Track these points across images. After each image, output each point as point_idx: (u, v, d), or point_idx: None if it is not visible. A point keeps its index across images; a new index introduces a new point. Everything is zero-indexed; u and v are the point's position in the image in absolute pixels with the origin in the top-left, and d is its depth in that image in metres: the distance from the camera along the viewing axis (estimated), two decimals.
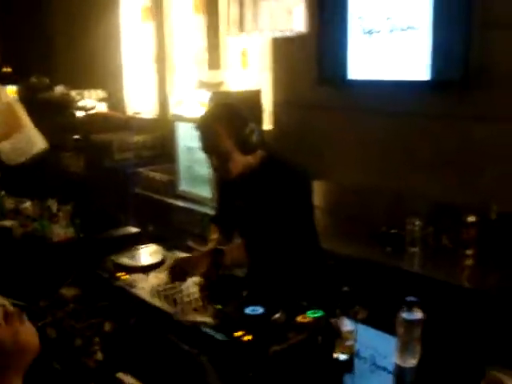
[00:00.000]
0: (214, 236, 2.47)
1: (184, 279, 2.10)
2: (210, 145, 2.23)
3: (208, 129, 2.22)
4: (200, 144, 2.26)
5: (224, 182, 2.46)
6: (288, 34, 1.76)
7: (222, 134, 2.17)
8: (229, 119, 2.21)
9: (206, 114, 2.34)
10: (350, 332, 1.73)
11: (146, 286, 2.07)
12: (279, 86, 4.26)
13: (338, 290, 2.28)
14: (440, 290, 2.73)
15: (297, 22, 1.67)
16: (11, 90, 5.90)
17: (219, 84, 4.36)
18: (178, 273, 2.13)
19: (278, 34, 1.78)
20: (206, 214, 4.05)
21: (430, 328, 1.70)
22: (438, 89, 3.25)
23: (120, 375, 1.55)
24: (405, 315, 1.63)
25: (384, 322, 1.84)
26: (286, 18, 1.64)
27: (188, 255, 2.30)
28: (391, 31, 3.36)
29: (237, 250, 2.29)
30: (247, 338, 1.66)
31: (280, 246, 2.20)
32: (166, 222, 4.38)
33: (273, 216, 2.20)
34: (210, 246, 2.39)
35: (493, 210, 2.95)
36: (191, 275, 2.12)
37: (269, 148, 2.35)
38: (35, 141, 4.36)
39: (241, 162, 2.22)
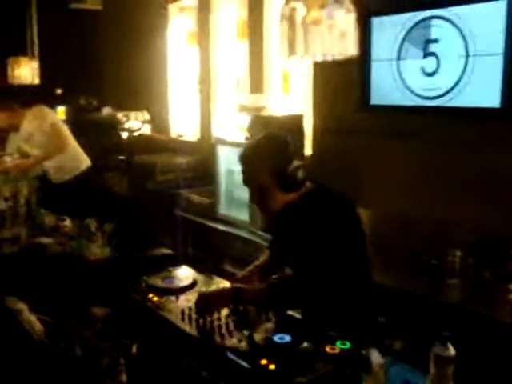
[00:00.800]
0: (262, 258, 2.43)
1: (210, 313, 2.03)
2: (249, 179, 2.16)
3: (249, 162, 2.15)
4: (242, 177, 2.21)
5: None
6: (339, 57, 1.74)
7: (263, 170, 2.10)
8: (272, 156, 2.11)
9: (250, 145, 2.24)
10: (380, 365, 1.67)
11: (174, 309, 2.05)
12: (320, 111, 4.25)
13: (373, 321, 2.23)
14: (479, 323, 2.63)
15: (348, 45, 1.65)
16: (61, 111, 6.11)
17: (261, 108, 4.38)
18: (203, 308, 2.05)
19: (330, 58, 1.76)
20: (243, 238, 4.05)
21: (465, 363, 1.63)
22: (486, 116, 3.17)
23: None
24: (438, 350, 1.57)
25: (419, 356, 1.78)
26: (338, 41, 1.62)
27: (209, 290, 2.18)
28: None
29: (259, 289, 2.17)
30: (272, 366, 1.62)
31: (330, 277, 2.07)
32: (204, 245, 4.39)
33: (324, 249, 2.08)
34: (251, 267, 2.38)
35: None
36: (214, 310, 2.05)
37: (313, 178, 2.25)
38: (80, 160, 4.48)
39: (281, 199, 2.14)
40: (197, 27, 5.71)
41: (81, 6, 6.78)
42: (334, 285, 2.07)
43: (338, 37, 1.62)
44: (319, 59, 1.76)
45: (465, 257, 3.03)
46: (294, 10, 1.61)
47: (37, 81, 6.65)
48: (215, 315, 1.98)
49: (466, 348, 1.67)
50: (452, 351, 1.55)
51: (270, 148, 2.15)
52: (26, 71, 6.54)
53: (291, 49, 1.66)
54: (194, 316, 1.98)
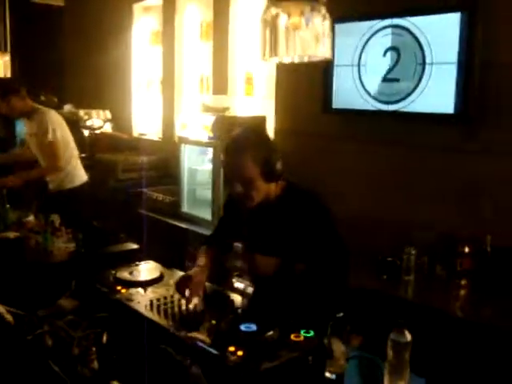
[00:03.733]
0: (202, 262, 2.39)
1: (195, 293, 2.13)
2: (235, 171, 2.18)
3: (235, 155, 2.17)
4: (224, 169, 2.25)
5: (235, 206, 2.42)
6: (315, 59, 1.86)
7: (249, 162, 2.13)
8: (257, 146, 2.16)
9: (233, 139, 2.25)
10: (342, 353, 1.77)
11: (143, 301, 2.10)
12: (282, 113, 4.35)
13: (332, 315, 2.33)
14: (432, 318, 2.76)
15: (324, 49, 1.77)
16: None
17: (224, 109, 4.45)
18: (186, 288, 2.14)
19: (307, 60, 1.88)
20: (206, 236, 4.11)
21: (420, 355, 1.74)
22: (441, 122, 3.32)
23: (114, 383, 1.59)
24: (394, 337, 1.67)
25: (377, 349, 1.88)
26: (314, 45, 1.73)
27: (187, 273, 2.30)
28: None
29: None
30: (240, 353, 1.70)
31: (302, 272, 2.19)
32: (166, 242, 4.42)
33: (299, 244, 2.19)
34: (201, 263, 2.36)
35: (488, 243, 3.00)
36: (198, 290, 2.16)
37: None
38: (76, 176, 4.31)
39: (264, 189, 2.21)
40: (161, 27, 5.74)
41: (42, 1, 6.73)
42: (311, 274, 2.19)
43: (314, 41, 1.72)
44: (297, 60, 1.87)
45: (420, 255, 3.17)
46: (275, 16, 1.71)
47: (9, 74, 6.63)
48: (183, 306, 2.05)
49: (421, 340, 1.78)
50: (408, 337, 1.65)
51: (254, 138, 2.22)
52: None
53: (273, 51, 1.76)
54: (162, 307, 2.04)
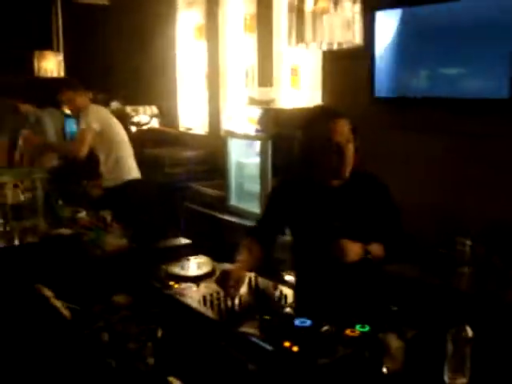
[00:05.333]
0: (247, 251, 2.35)
1: (236, 289, 2.11)
2: (332, 134, 2.12)
3: (329, 120, 2.14)
4: (327, 136, 2.13)
5: (291, 191, 2.36)
6: (345, 46, 1.80)
7: (346, 126, 2.15)
8: (346, 115, 2.19)
9: (318, 108, 2.39)
10: (399, 348, 1.73)
11: (195, 295, 2.11)
12: (329, 104, 4.29)
13: (387, 309, 2.28)
14: (489, 310, 2.68)
15: (354, 34, 1.71)
16: None
17: (270, 101, 4.42)
18: (227, 284, 2.13)
19: (336, 47, 1.83)
20: None
21: (479, 348, 1.68)
22: (494, 108, 3.21)
23: (171, 379, 1.59)
24: (455, 332, 1.62)
25: (434, 342, 1.83)
26: (345, 31, 1.68)
27: (230, 267, 2.26)
28: None
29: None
30: (295, 348, 1.68)
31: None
32: (215, 236, 4.44)
33: (375, 226, 2.20)
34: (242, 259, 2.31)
35: None
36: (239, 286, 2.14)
37: None
38: (124, 172, 4.41)
39: (351, 162, 2.18)
40: (205, 21, 5.75)
41: (88, 1, 6.84)
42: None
43: (344, 26, 1.68)
44: (325, 48, 1.82)
45: (475, 245, 3.08)
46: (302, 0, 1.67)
47: (62, 74, 6.81)
48: (236, 301, 2.04)
49: (480, 334, 1.72)
50: (470, 332, 1.60)
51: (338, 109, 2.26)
52: (52, 64, 6.72)
53: (299, 37, 1.72)
54: (215, 302, 2.04)
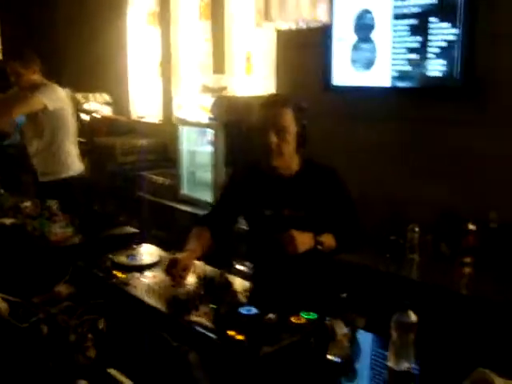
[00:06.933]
0: (196, 236, 2.35)
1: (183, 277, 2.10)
2: (275, 118, 2.17)
3: (276, 105, 2.20)
4: (259, 121, 2.22)
5: (244, 179, 2.38)
6: (312, 24, 1.79)
7: (290, 115, 2.18)
8: (297, 108, 2.21)
9: (274, 94, 2.47)
10: (345, 335, 1.72)
11: (140, 285, 2.06)
12: (283, 91, 4.26)
13: (335, 296, 2.28)
14: (437, 296, 2.72)
15: (321, 13, 1.70)
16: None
17: (223, 89, 4.37)
18: (175, 272, 2.10)
19: (303, 24, 1.81)
20: None
21: (425, 333, 1.69)
22: (445, 96, 3.25)
23: (111, 371, 1.54)
24: (399, 318, 1.62)
25: (382, 329, 1.83)
26: (311, 8, 1.67)
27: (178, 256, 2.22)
28: None
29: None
30: (240, 337, 1.65)
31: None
32: (167, 225, 4.38)
33: (324, 218, 2.21)
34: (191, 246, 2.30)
35: (492, 219, 2.94)
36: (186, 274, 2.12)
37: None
38: (67, 165, 3.97)
39: (291, 152, 2.22)
40: (158, 7, 5.64)
41: None
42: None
43: (310, 3, 1.66)
44: (293, 26, 1.81)
45: (424, 233, 3.12)
46: None
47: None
48: (182, 290, 2.00)
49: (426, 319, 1.73)
50: (413, 318, 1.60)
51: (295, 101, 2.26)
52: None
53: (267, 15, 1.70)
54: (161, 292, 1.99)
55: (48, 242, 2.76)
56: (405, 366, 1.64)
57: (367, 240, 3.24)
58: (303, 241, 2.07)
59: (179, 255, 2.20)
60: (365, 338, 1.89)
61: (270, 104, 2.24)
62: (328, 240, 2.15)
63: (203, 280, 2.12)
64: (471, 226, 2.97)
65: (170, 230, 4.33)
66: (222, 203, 2.47)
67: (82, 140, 5.65)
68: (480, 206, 3.03)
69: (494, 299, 2.60)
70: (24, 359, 1.75)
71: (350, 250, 2.37)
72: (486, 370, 1.47)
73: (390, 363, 1.65)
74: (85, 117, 5.86)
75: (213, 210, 2.52)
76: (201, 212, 4.22)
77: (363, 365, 1.76)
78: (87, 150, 5.60)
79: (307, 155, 2.34)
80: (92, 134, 5.67)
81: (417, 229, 3.11)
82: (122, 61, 6.11)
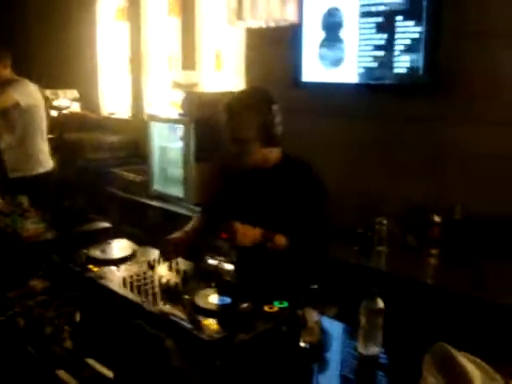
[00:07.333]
0: (193, 222, 2.49)
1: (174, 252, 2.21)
2: (232, 130, 2.16)
3: (234, 114, 2.14)
4: (225, 127, 2.18)
5: (236, 177, 2.38)
6: (282, 23, 1.84)
7: (246, 123, 2.12)
8: (257, 109, 2.14)
9: (235, 97, 2.22)
10: (316, 322, 1.78)
11: (115, 278, 2.09)
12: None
13: (306, 287, 2.34)
14: (404, 286, 2.80)
15: (289, 12, 1.75)
16: None
17: (193, 85, 4.40)
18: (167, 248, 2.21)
19: (273, 23, 1.86)
20: (178, 214, 4.09)
21: (393, 322, 1.76)
22: (411, 92, 3.33)
23: (89, 361, 1.58)
24: (367, 304, 1.69)
25: (352, 319, 1.90)
26: (280, 8, 1.72)
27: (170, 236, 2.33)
28: None
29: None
30: (215, 326, 1.70)
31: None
32: (138, 221, 4.39)
33: (288, 214, 2.17)
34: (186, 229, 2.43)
35: (457, 211, 3.04)
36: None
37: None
38: (38, 162, 4.07)
39: (260, 154, 2.19)
40: (127, 3, 5.63)
41: None
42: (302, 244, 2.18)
43: (280, 3, 1.72)
44: (264, 25, 1.86)
45: (392, 226, 3.20)
46: None
47: None
48: (156, 282, 2.04)
49: (393, 308, 1.80)
50: (381, 304, 1.68)
51: (257, 100, 2.18)
52: None
53: (239, 14, 1.75)
54: (135, 284, 2.02)
55: (20, 238, 2.75)
56: (374, 350, 1.71)
57: (337, 234, 3.35)
58: (246, 234, 2.08)
59: (172, 235, 2.33)
60: (336, 326, 1.97)
61: (229, 112, 2.17)
62: (279, 240, 2.14)
63: (176, 272, 2.15)
64: (437, 219, 3.06)
65: (141, 226, 4.34)
66: (216, 196, 2.53)
67: (51, 136, 5.63)
68: (447, 199, 3.12)
69: (457, 289, 2.69)
70: (2, 351, 1.78)
71: (311, 251, 2.24)
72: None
73: (360, 348, 1.72)
74: (54, 113, 5.81)
75: (211, 200, 2.57)
76: (172, 208, 4.26)
77: (333, 350, 1.83)
78: (57, 146, 5.56)
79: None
80: (62, 130, 5.63)
81: (385, 221, 3.19)
82: (91, 56, 6.07)
